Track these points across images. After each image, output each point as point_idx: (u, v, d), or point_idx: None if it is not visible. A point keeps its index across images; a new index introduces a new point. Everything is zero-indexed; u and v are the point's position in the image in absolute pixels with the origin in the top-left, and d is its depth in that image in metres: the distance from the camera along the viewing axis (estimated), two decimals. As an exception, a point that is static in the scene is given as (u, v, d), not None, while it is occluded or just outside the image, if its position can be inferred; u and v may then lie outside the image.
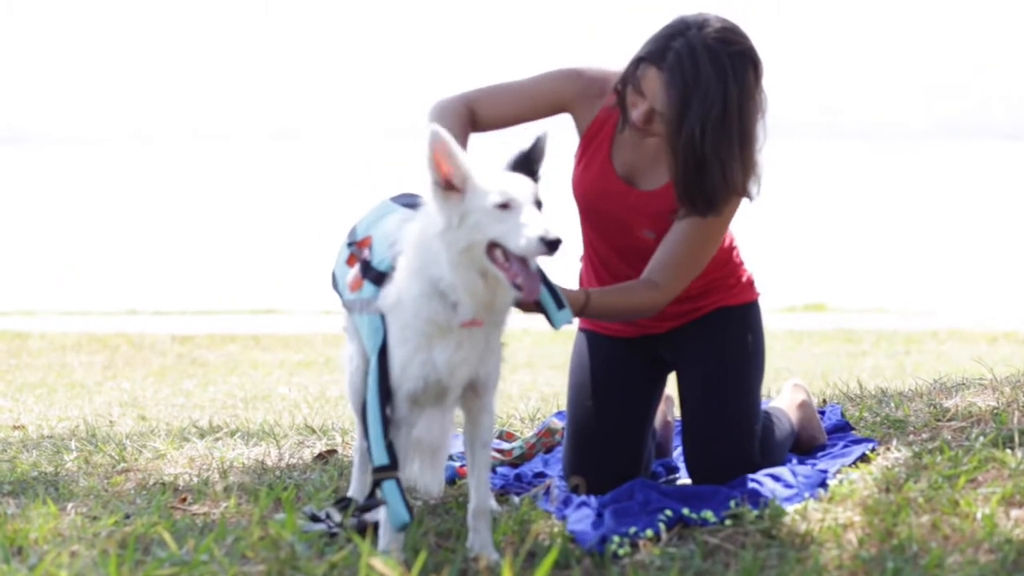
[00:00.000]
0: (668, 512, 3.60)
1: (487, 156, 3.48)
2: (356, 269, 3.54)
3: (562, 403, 5.86)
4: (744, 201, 3.82)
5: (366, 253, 3.52)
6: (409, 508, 3.30)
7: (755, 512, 3.58)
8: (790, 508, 3.62)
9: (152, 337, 13.01)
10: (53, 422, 6.59)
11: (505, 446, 4.55)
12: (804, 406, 4.41)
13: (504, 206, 3.20)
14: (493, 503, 3.76)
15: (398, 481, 3.32)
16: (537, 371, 10.27)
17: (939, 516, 3.44)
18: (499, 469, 4.38)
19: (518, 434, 4.82)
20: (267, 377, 10.03)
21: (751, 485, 3.81)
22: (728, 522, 3.57)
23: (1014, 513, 3.44)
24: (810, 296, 17.56)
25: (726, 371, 4.06)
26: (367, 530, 3.50)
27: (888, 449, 4.14)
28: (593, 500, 3.83)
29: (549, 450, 4.56)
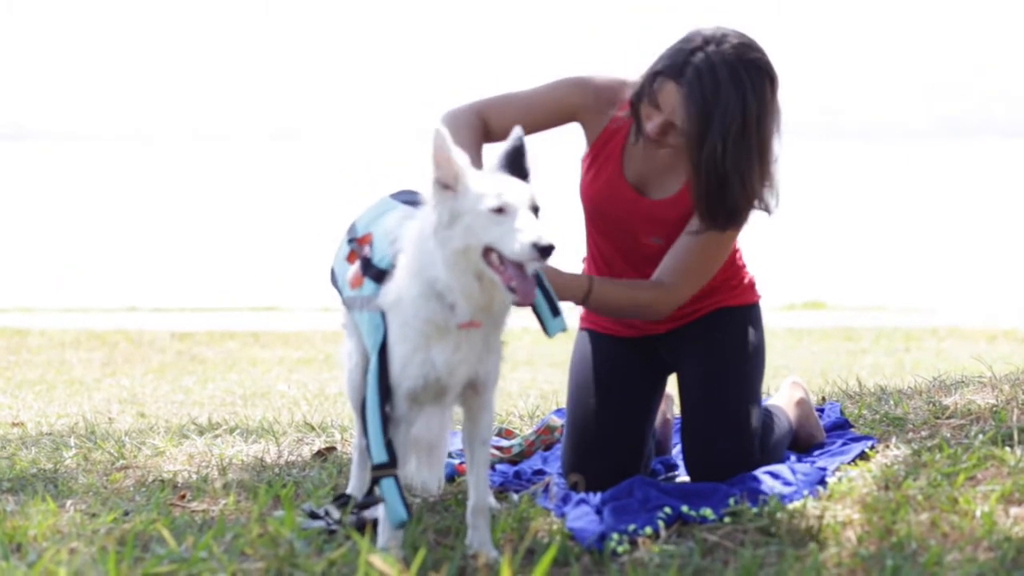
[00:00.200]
0: (667, 509, 3.60)
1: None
2: (356, 266, 3.53)
3: (561, 400, 5.86)
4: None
5: (367, 250, 3.52)
6: (407, 506, 3.30)
7: (754, 510, 3.58)
8: (789, 506, 3.62)
9: (151, 334, 13.02)
10: (52, 419, 6.59)
11: (504, 443, 4.56)
12: (802, 403, 4.42)
13: (499, 210, 3.21)
14: (492, 500, 3.76)
15: (396, 479, 3.32)
16: (536, 369, 10.28)
17: (938, 514, 3.44)
18: (498, 466, 4.38)
19: (517, 431, 4.82)
20: (266, 374, 10.03)
21: (750, 483, 3.81)
22: (727, 520, 3.57)
23: (1013, 511, 3.44)
24: (810, 294, 17.58)
25: (726, 370, 4.06)
26: (366, 527, 3.51)
27: (887, 447, 4.14)
28: (592, 497, 3.83)
29: (548, 447, 4.56)
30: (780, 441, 4.17)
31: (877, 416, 4.57)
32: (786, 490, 3.75)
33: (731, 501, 3.65)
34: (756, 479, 3.84)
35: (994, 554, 3.22)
